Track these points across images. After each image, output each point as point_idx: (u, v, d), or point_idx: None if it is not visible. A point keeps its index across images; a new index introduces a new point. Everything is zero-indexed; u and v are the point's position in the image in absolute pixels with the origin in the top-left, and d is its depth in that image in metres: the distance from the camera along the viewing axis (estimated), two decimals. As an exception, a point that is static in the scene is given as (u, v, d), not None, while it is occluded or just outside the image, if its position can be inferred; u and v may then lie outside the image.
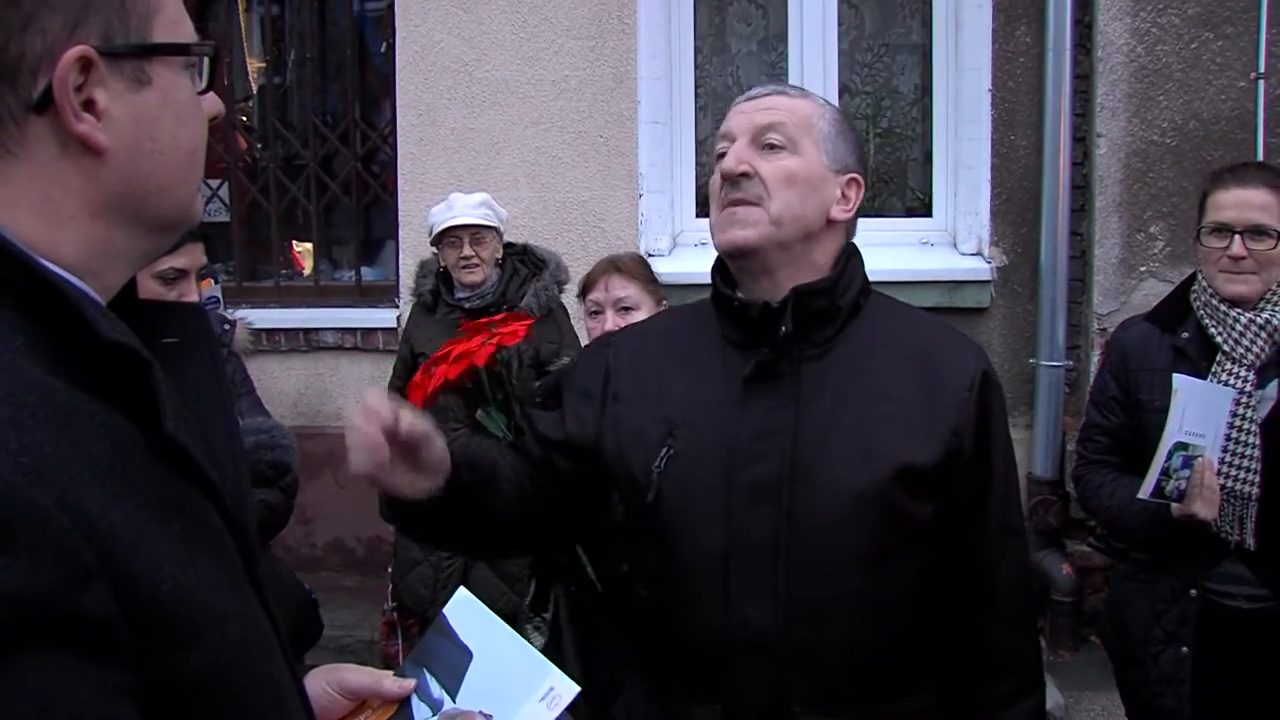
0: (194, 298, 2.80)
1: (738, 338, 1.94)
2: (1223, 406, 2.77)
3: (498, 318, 3.76)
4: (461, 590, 1.64)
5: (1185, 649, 2.89)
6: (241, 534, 1.08)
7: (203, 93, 1.12)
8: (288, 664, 1.13)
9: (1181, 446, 2.74)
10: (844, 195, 1.95)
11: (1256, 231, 2.84)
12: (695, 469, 1.88)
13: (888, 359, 1.91)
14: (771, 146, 1.90)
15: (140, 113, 1.04)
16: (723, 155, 1.95)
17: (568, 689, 1.51)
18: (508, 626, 1.58)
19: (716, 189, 1.94)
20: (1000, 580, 1.97)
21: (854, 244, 2.02)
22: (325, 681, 1.46)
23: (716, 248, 1.95)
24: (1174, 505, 2.77)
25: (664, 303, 3.56)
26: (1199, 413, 2.75)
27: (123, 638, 0.89)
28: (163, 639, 0.92)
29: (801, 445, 1.85)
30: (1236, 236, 2.85)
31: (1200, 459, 2.73)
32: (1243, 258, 2.84)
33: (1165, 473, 2.76)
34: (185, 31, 1.09)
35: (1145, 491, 2.78)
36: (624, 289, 3.43)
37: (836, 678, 1.84)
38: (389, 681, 1.50)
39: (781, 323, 1.87)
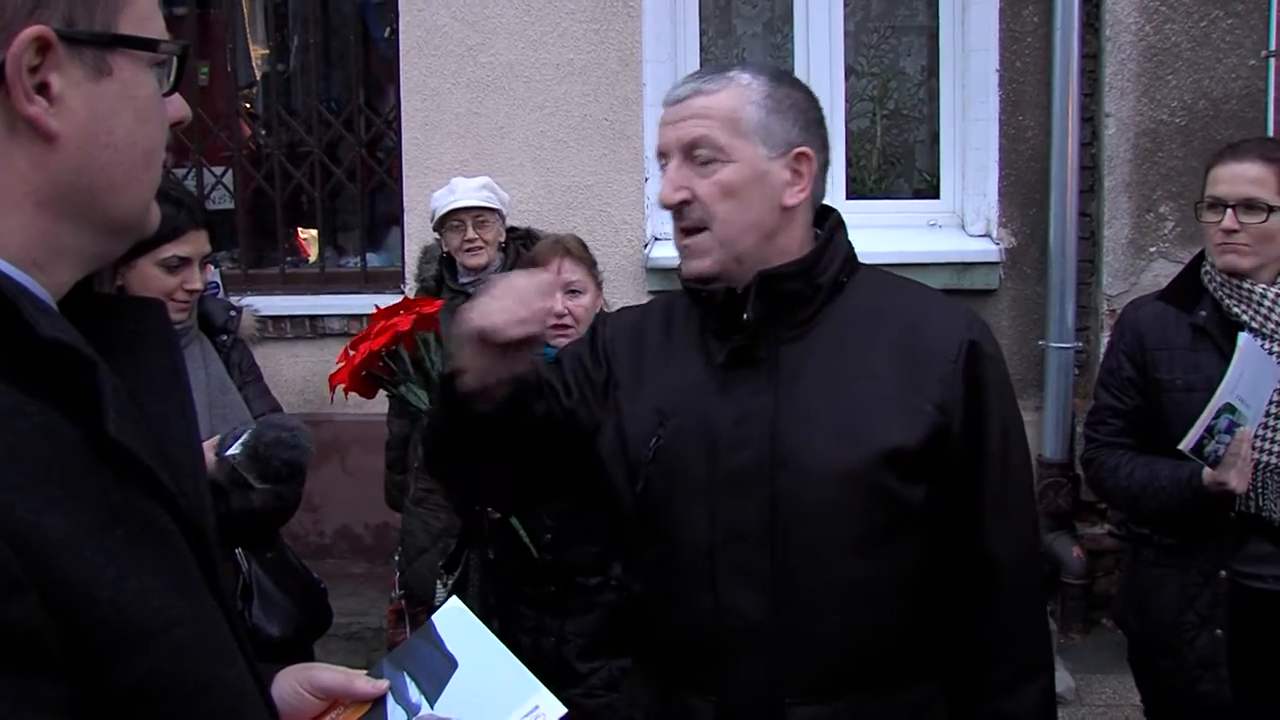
0: (198, 285, 2.79)
1: (715, 325, 1.91)
2: (1269, 381, 2.73)
3: (412, 301, 3.82)
4: (454, 600, 1.59)
5: (1219, 631, 2.84)
6: (197, 535, 1.05)
7: (168, 94, 1.08)
8: (250, 667, 1.10)
9: (1230, 409, 2.69)
10: (795, 174, 1.87)
11: (1248, 205, 2.83)
12: (680, 459, 1.85)
13: (871, 335, 1.87)
14: (703, 162, 1.83)
15: (97, 104, 1.00)
16: (665, 169, 1.90)
17: (553, 709, 1.47)
18: (499, 641, 1.55)
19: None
20: (1000, 562, 1.90)
21: (839, 218, 1.96)
22: (296, 680, 1.42)
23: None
24: (1206, 471, 2.73)
25: (602, 287, 3.61)
26: (1251, 380, 2.71)
27: (52, 649, 0.86)
28: (102, 647, 0.90)
29: (782, 429, 1.81)
30: (1228, 210, 2.85)
31: (1242, 428, 2.70)
32: (1234, 230, 2.84)
33: (1209, 431, 2.70)
34: (155, 28, 1.05)
35: (1187, 444, 2.71)
36: (573, 272, 3.45)
37: (832, 667, 1.81)
38: (361, 681, 1.46)
39: (744, 310, 1.83)
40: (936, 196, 5.92)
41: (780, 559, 1.79)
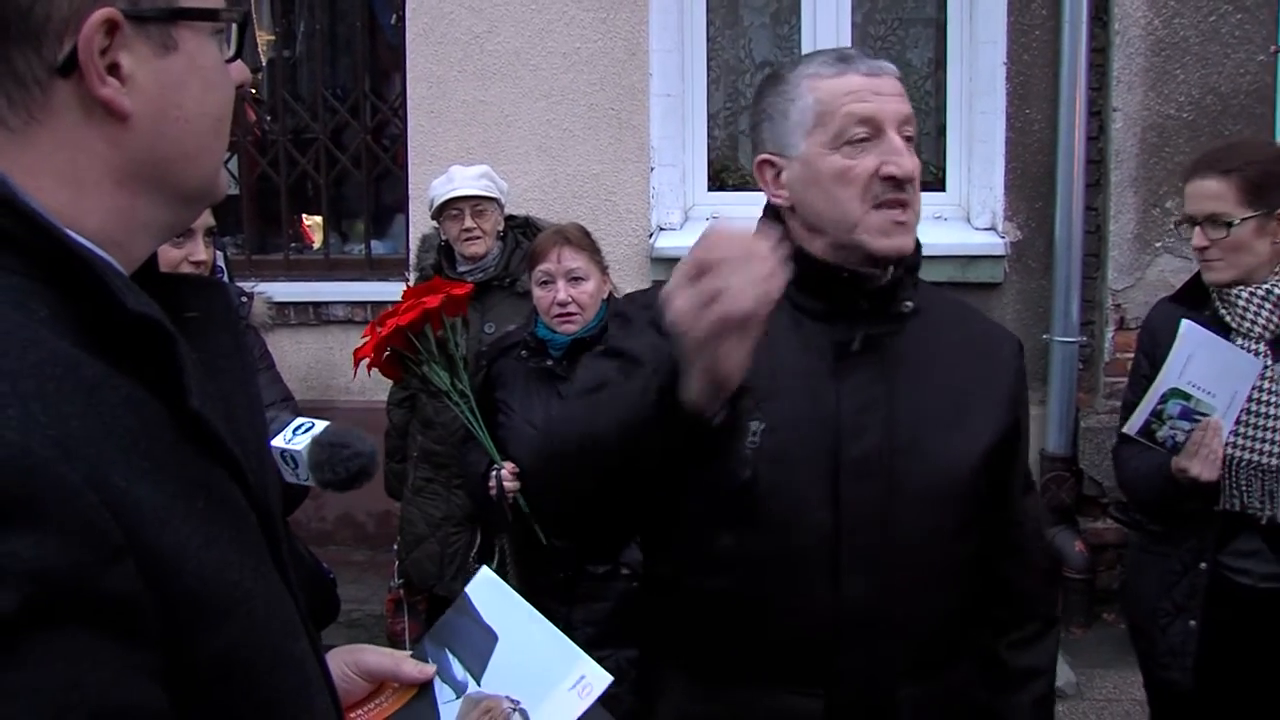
0: (203, 256, 2.78)
1: (816, 308, 1.84)
2: (1245, 374, 2.77)
3: (444, 282, 3.86)
4: (484, 570, 1.59)
5: (1193, 622, 2.89)
6: (265, 512, 1.07)
7: (230, 60, 1.11)
8: (312, 645, 1.11)
9: (1181, 395, 2.77)
10: None
11: (1212, 221, 2.87)
12: (794, 445, 1.78)
13: (946, 333, 1.94)
14: (909, 140, 1.80)
15: (166, 78, 1.02)
16: (861, 140, 1.77)
17: (600, 679, 1.46)
18: (534, 610, 1.54)
19: (863, 180, 1.77)
20: (1026, 530, 2.05)
21: None
22: (344, 663, 1.44)
23: (870, 250, 1.79)
24: (1174, 459, 2.80)
25: (608, 273, 3.66)
26: (1212, 370, 2.77)
27: (149, 617, 0.87)
28: (186, 619, 0.90)
29: (897, 417, 1.82)
30: (1197, 228, 2.91)
31: (1208, 419, 2.76)
32: (1205, 247, 2.88)
33: (1157, 415, 2.80)
34: None
35: (1131, 428, 2.83)
36: (574, 260, 3.52)
37: (928, 647, 1.86)
38: (409, 665, 1.48)
39: (901, 297, 1.86)
40: (942, 189, 5.90)
41: (895, 545, 1.80)
